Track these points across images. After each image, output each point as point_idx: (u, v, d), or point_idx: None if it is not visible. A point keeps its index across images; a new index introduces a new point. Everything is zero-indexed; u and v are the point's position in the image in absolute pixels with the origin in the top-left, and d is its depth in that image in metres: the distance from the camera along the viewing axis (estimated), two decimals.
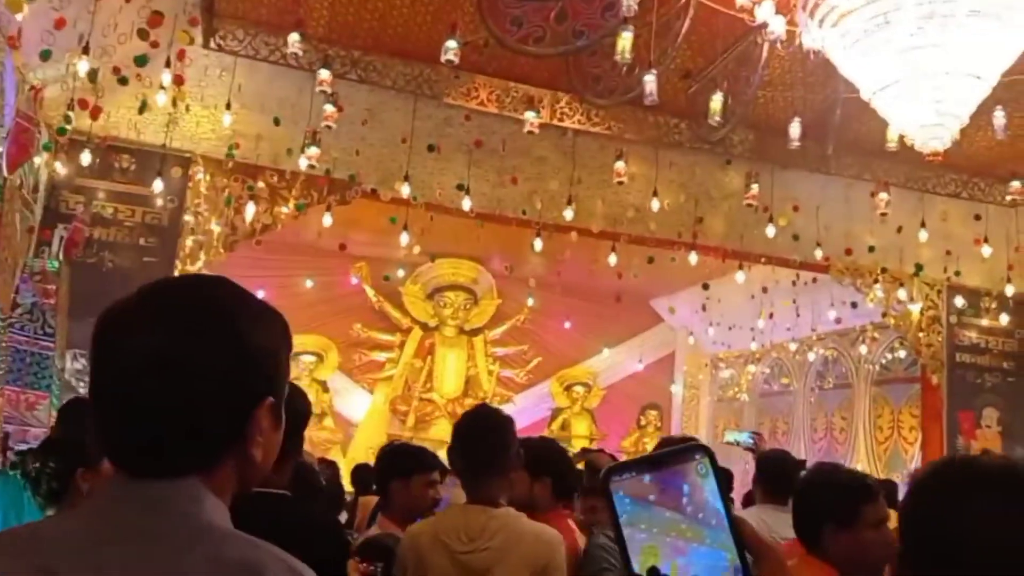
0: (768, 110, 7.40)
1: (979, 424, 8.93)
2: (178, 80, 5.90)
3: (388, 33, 6.74)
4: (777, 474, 4.52)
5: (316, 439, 11.36)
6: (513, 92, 7.27)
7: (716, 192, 7.94)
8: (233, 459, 1.06)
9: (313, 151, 6.27)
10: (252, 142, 6.91)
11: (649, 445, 13.26)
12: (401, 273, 11.88)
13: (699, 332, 12.89)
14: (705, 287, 9.03)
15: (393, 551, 2.65)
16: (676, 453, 0.77)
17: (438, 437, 11.15)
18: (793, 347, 11.78)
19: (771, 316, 9.97)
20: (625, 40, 5.11)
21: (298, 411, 2.19)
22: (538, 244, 7.68)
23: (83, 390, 6.87)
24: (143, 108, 6.07)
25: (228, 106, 6.51)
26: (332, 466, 6.87)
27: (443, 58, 5.12)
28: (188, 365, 1.02)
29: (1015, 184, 7.42)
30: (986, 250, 8.17)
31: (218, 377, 1.03)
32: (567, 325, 12.84)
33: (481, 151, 7.37)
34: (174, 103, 6.11)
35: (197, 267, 7.26)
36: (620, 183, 6.81)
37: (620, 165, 6.73)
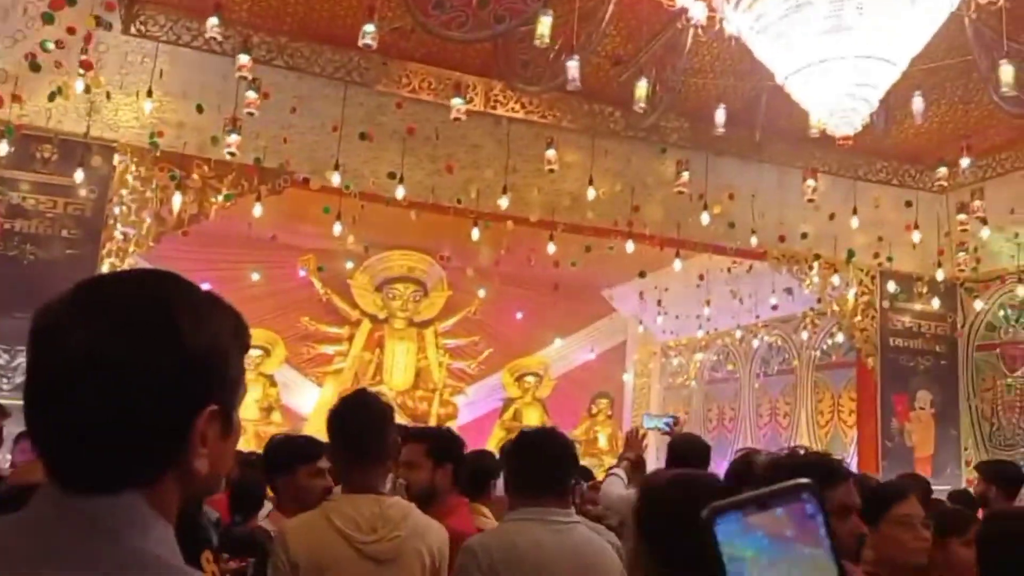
0: (701, 98, 7.43)
1: (913, 406, 9.08)
2: (86, 66, 5.77)
3: (314, 19, 6.67)
4: (686, 458, 4.57)
5: (264, 434, 11.25)
6: (446, 79, 7.23)
7: (652, 180, 7.97)
8: (175, 472, 0.94)
9: (233, 138, 6.17)
10: (177, 130, 6.80)
11: (600, 433, 13.34)
12: (350, 265, 11.81)
13: (648, 321, 12.97)
14: (642, 275, 9.06)
15: (264, 546, 2.60)
16: (783, 492, 0.73)
17: None
18: (738, 334, 11.91)
19: (708, 303, 10.03)
20: (544, 24, 5.11)
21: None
22: (475, 234, 7.66)
23: (5, 386, 6.74)
24: (53, 96, 5.94)
25: (149, 93, 6.40)
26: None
27: (360, 42, 5.08)
28: (120, 365, 0.90)
29: (942, 170, 7.53)
30: (916, 236, 8.29)
31: (154, 380, 0.91)
32: (519, 316, 12.83)
33: (415, 139, 7.32)
34: (87, 90, 5.97)
35: (128, 261, 7.16)
36: (551, 171, 6.80)
37: (551, 153, 6.72)
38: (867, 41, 4.48)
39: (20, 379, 6.55)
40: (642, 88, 5.78)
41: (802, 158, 8.09)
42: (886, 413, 8.98)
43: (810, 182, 7.02)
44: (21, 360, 6.58)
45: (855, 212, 8.21)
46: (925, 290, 8.99)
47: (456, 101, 6.06)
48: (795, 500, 0.72)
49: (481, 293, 12.18)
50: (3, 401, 6.36)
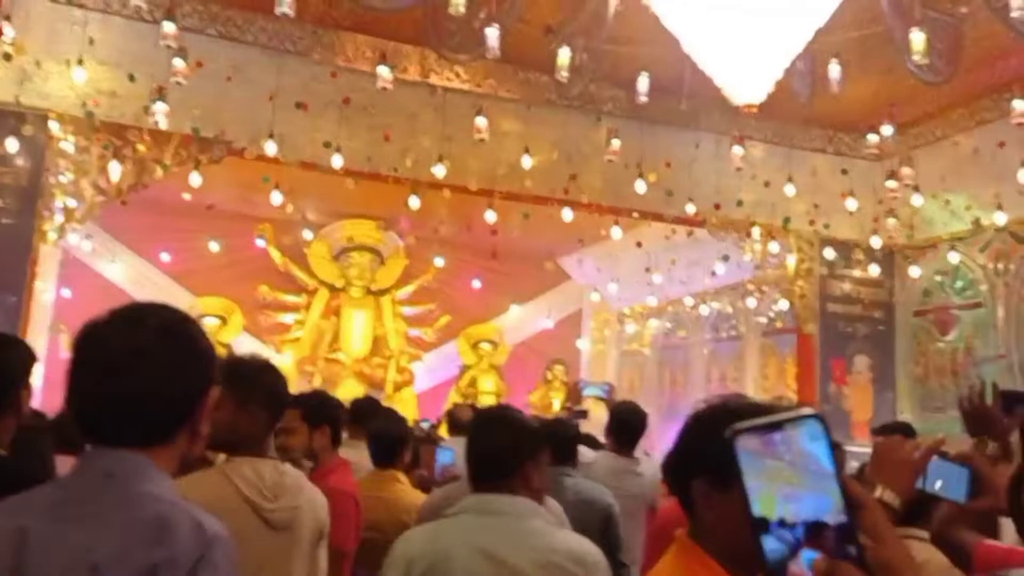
0: (635, 67, 7.50)
1: (850, 371, 9.29)
2: None
3: None
4: (628, 422, 4.75)
5: None
6: (381, 49, 7.26)
7: (588, 149, 8.06)
8: (186, 434, 1.40)
9: (160, 107, 6.21)
10: (111, 99, 6.82)
11: (555, 398, 13.52)
12: (309, 235, 11.89)
13: (603, 289, 13.12)
14: (581, 242, 9.16)
15: None
16: (793, 418, 0.88)
17: (345, 396, 11.20)
18: (689, 302, 12.09)
19: (648, 270, 10.18)
20: None
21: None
22: (413, 201, 7.73)
23: None
24: None
25: (80, 62, 6.41)
26: None
27: (277, 10, 5.10)
28: (159, 359, 1.36)
29: (872, 138, 7.66)
30: (851, 203, 8.44)
31: (179, 371, 1.38)
32: (476, 284, 12.94)
33: (351, 109, 7.36)
34: (7, 57, 5.97)
35: (70, 233, 7.19)
36: (482, 140, 6.87)
37: (481, 121, 6.79)
38: (769, 9, 4.58)
39: None
40: (564, 56, 5.86)
41: (738, 126, 8.19)
42: (824, 377, 9.19)
43: (737, 149, 7.14)
44: None
45: (790, 179, 8.35)
46: (863, 257, 9.15)
47: (382, 70, 6.11)
48: (803, 425, 0.87)
49: (438, 262, 12.27)
50: None
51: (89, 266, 11.24)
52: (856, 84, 7.64)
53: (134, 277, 11.67)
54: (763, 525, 0.85)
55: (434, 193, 7.98)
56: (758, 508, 0.85)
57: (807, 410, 0.88)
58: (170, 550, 1.28)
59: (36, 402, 8.56)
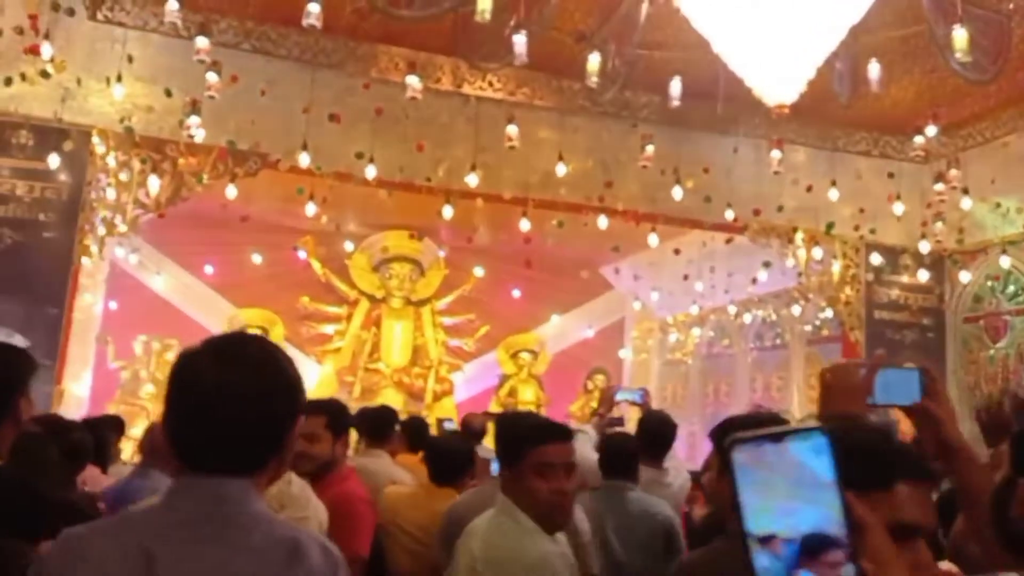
0: (671, 72, 7.40)
1: None
2: (33, 51, 5.87)
3: (278, 1, 6.71)
4: (659, 432, 4.64)
5: None
6: (413, 60, 7.25)
7: (625, 156, 7.95)
8: (276, 460, 1.45)
9: (194, 120, 6.27)
10: (149, 115, 6.91)
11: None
12: (350, 247, 11.98)
13: (645, 297, 12.98)
14: (616, 249, 9.05)
15: None
16: (796, 431, 0.85)
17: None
18: (732, 310, 11.88)
19: (685, 278, 10.02)
20: (484, 0, 5.12)
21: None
22: (447, 211, 7.70)
23: None
24: (10, 81, 6.06)
25: (119, 78, 6.51)
26: None
27: (305, 22, 5.12)
28: (251, 393, 1.40)
29: (919, 139, 7.44)
30: (899, 207, 8.21)
31: (271, 404, 1.42)
32: (516, 294, 12.89)
33: (385, 120, 7.36)
34: (44, 75, 6.09)
35: (110, 244, 7.29)
36: (512, 147, 6.82)
37: (512, 130, 6.74)
38: (801, 8, 4.46)
39: None
40: (594, 62, 5.78)
41: (778, 131, 8.01)
42: None
43: (775, 153, 6.97)
44: (1, 339, 6.76)
45: (833, 184, 8.16)
46: (910, 262, 8.90)
47: (411, 80, 6.09)
48: (807, 439, 0.83)
49: (478, 272, 12.27)
50: None
51: (135, 278, 11.43)
52: (900, 85, 7.47)
53: (178, 289, 11.85)
54: (757, 540, 0.80)
55: (471, 203, 7.96)
56: (752, 523, 0.80)
57: (811, 423, 0.84)
58: (308, 571, 1.37)
59: (84, 410, 8.74)
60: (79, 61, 6.61)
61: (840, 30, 4.64)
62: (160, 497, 1.44)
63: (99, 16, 6.60)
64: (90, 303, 11.21)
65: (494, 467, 4.61)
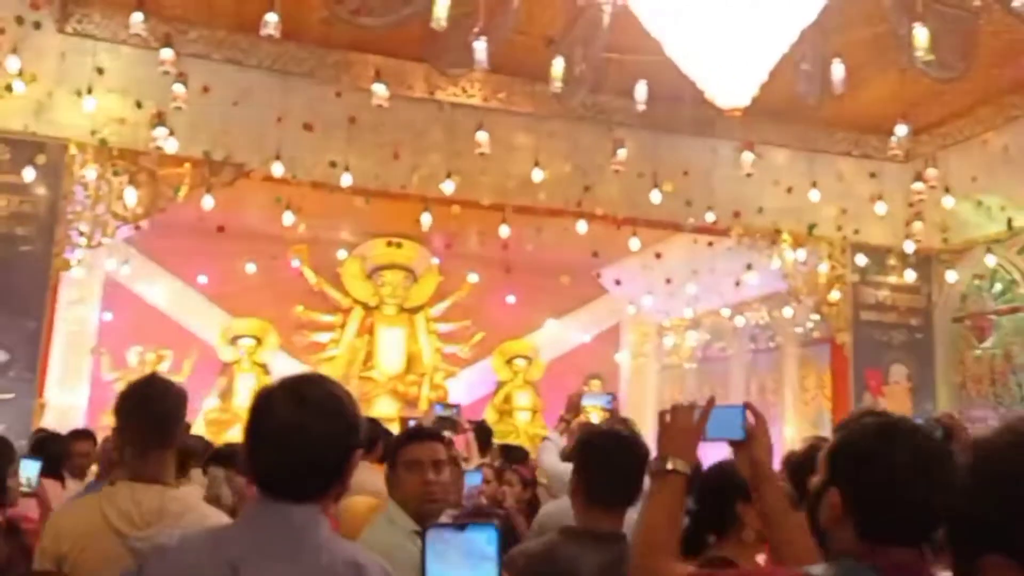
0: (646, 76, 7.37)
1: (887, 381, 8.94)
2: None
3: (246, 11, 6.72)
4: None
5: None
6: (386, 67, 7.26)
7: (602, 160, 7.91)
8: (337, 487, 1.67)
9: (160, 131, 6.29)
10: (122, 127, 6.94)
11: (592, 413, 13.30)
12: (343, 255, 12.00)
13: (639, 302, 12.92)
14: (595, 255, 9.00)
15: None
16: (477, 524, 1.30)
17: (381, 414, 11.25)
18: (726, 313, 11.81)
19: (668, 282, 9.97)
20: (440, 6, 5.12)
21: None
22: (425, 219, 7.70)
23: None
24: None
25: (89, 91, 6.55)
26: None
27: (263, 32, 5.13)
28: (317, 432, 1.61)
29: (895, 139, 7.35)
30: (880, 207, 8.15)
31: (336, 440, 1.64)
32: (510, 300, 12.87)
33: (359, 127, 7.37)
34: (8, 88, 6.12)
35: (85, 257, 7.30)
36: (482, 154, 6.80)
37: (482, 136, 6.73)
38: (753, 12, 4.42)
39: None
40: (557, 66, 5.76)
41: (757, 132, 7.98)
42: (859, 388, 8.86)
43: (747, 155, 6.93)
44: None
45: (815, 185, 8.10)
46: (896, 263, 8.82)
47: (377, 87, 6.09)
48: (484, 531, 1.26)
49: (472, 278, 12.25)
50: None
51: (130, 289, 11.47)
52: (875, 84, 7.41)
53: (173, 299, 11.88)
54: None
55: (466, 210, 7.95)
56: None
57: (492, 520, 1.12)
58: None
59: (81, 422, 8.70)
60: (50, 74, 6.65)
61: (793, 31, 4.59)
62: (241, 518, 1.74)
63: (68, 29, 6.63)
64: (85, 315, 11.31)
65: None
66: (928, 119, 7.60)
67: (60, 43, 6.68)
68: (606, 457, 2.61)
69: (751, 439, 1.91)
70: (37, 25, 6.12)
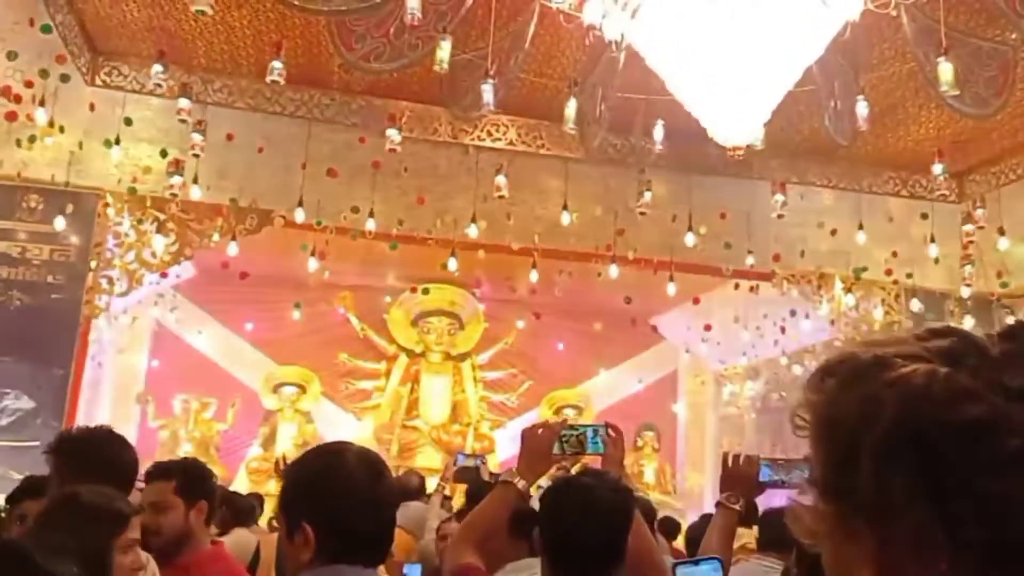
0: (678, 117, 7.16)
1: None
2: (10, 117, 6.02)
3: (267, 60, 6.77)
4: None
5: None
6: (408, 112, 7.22)
7: (635, 203, 7.69)
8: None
9: (176, 180, 6.32)
10: (149, 175, 7.02)
11: (647, 467, 12.89)
12: (388, 300, 11.96)
13: (696, 349, 12.53)
14: (627, 300, 8.70)
15: None
16: None
17: (424, 465, 11.07)
18: (784, 361, 11.33)
19: (707, 328, 9.57)
20: (443, 50, 5.03)
21: None
22: (452, 264, 7.56)
23: None
24: (19, 144, 6.21)
25: (117, 141, 6.65)
26: None
27: (268, 78, 5.12)
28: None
29: (940, 179, 6.92)
30: (934, 250, 7.69)
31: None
32: (560, 347, 12.60)
33: (385, 172, 7.31)
34: (32, 139, 6.24)
35: (116, 302, 7.36)
36: (501, 197, 6.66)
37: (501, 180, 6.59)
38: (757, 47, 4.19)
39: (6, 421, 6.83)
40: (571, 108, 5.60)
41: (798, 172, 7.66)
42: None
43: (778, 197, 6.61)
44: (7, 402, 6.88)
45: (861, 227, 7.70)
46: (956, 308, 8.30)
47: (391, 132, 6.03)
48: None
49: (520, 325, 12.04)
50: None
51: (178, 337, 11.61)
52: (920, 120, 7.04)
53: (219, 346, 11.96)
54: None
55: (511, 256, 7.84)
56: None
57: None
58: None
59: None
60: (80, 125, 6.78)
61: (796, 70, 4.33)
62: None
63: (97, 81, 6.77)
64: (134, 362, 11.48)
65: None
66: (980, 156, 7.17)
67: (90, 95, 6.81)
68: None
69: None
70: (65, 78, 6.24)
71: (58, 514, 2.03)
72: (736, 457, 2.52)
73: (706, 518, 3.78)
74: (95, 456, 2.40)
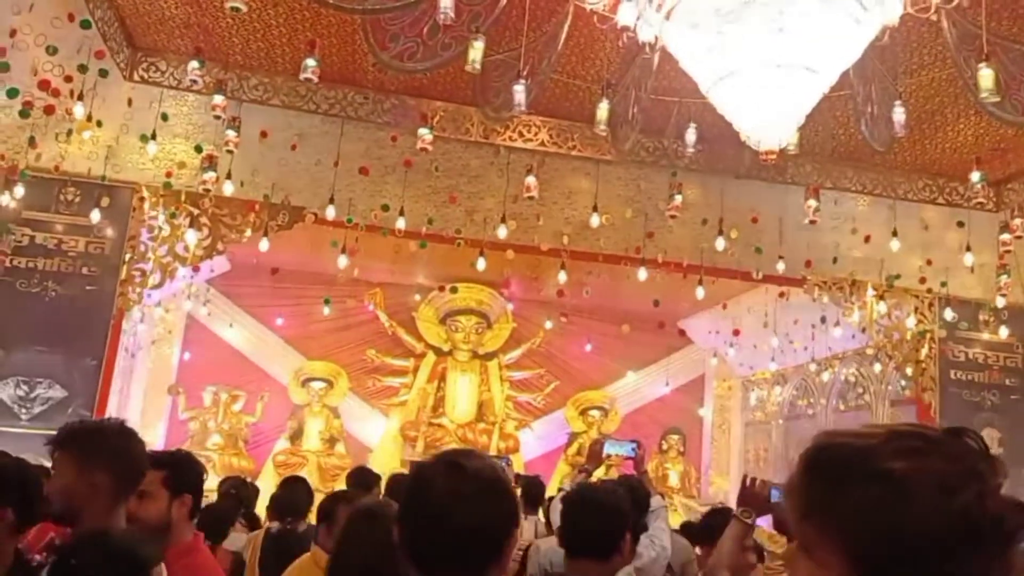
0: (711, 120, 7.11)
1: None
2: (49, 111, 6.11)
3: (302, 58, 6.82)
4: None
5: (325, 465, 11.51)
6: (441, 111, 7.23)
7: (665, 206, 7.65)
8: (494, 569, 1.55)
9: (210, 175, 6.38)
10: (184, 170, 7.10)
11: (672, 470, 12.82)
12: (418, 298, 12.00)
13: (724, 353, 12.45)
14: (656, 304, 8.66)
15: None
16: None
17: None
18: (813, 368, 11.23)
19: (736, 333, 9.49)
20: (476, 50, 5.03)
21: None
22: (481, 263, 7.57)
23: (24, 416, 7.10)
24: (57, 138, 6.30)
25: (154, 136, 6.72)
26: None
27: (302, 76, 5.15)
28: (479, 509, 1.54)
29: (977, 186, 6.82)
30: (969, 258, 7.57)
31: (494, 515, 1.55)
32: (588, 348, 12.58)
33: (416, 171, 7.34)
34: (69, 133, 6.33)
35: (153, 293, 7.45)
36: (531, 198, 6.65)
37: (531, 180, 6.58)
38: (793, 50, 4.14)
39: (39, 409, 6.94)
40: (603, 110, 5.58)
41: (832, 177, 7.58)
42: None
43: (811, 202, 6.53)
44: (40, 391, 6.99)
45: (895, 234, 7.60)
46: (990, 318, 8.17)
47: (423, 131, 6.03)
48: None
49: (548, 325, 12.03)
50: (20, 431, 6.77)
51: (210, 330, 11.74)
52: (959, 127, 6.94)
53: (250, 341, 12.08)
54: None
55: (541, 256, 7.83)
56: None
57: None
58: None
59: None
60: (118, 120, 6.86)
61: (831, 74, 4.28)
62: None
63: (135, 77, 6.85)
64: (167, 354, 11.63)
65: None
66: (1019, 165, 7.04)
67: (127, 90, 6.89)
68: (574, 515, 2.74)
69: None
70: (104, 73, 6.32)
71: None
72: (753, 480, 2.89)
73: (718, 511, 4.19)
74: (105, 446, 2.40)
